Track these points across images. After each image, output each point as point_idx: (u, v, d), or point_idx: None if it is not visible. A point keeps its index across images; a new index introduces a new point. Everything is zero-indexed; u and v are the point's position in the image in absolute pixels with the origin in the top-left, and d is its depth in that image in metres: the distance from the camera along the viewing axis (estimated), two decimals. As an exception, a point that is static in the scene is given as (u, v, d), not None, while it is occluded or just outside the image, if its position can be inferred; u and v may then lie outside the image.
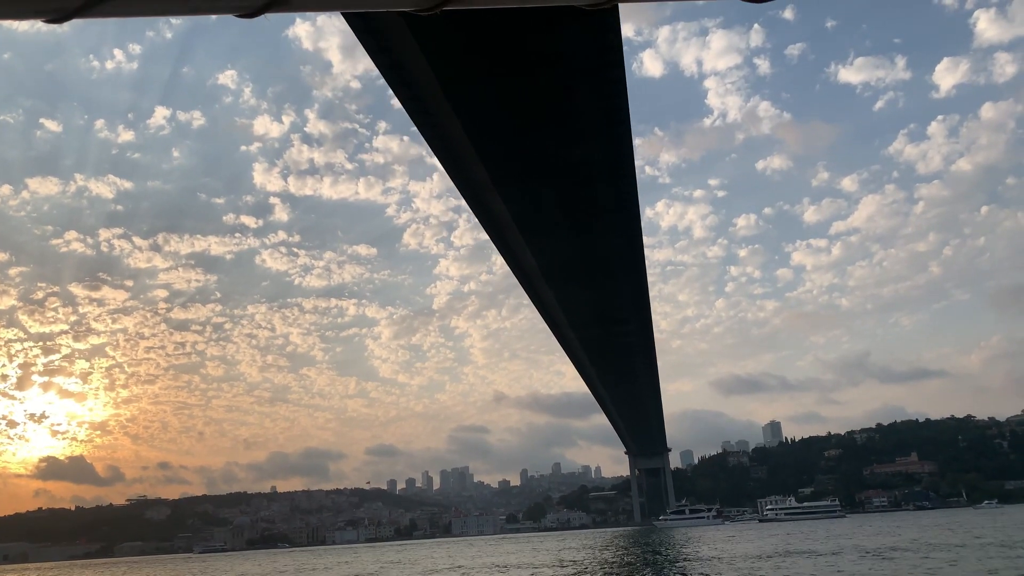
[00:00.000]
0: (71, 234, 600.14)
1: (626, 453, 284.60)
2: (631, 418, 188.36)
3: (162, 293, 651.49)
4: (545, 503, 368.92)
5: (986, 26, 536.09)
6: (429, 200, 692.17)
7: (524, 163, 53.04)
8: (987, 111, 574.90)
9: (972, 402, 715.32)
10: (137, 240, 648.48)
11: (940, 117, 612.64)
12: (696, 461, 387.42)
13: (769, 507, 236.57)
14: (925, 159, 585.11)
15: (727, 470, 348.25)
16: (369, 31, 39.49)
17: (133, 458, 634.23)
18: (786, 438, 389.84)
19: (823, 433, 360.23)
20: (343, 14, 38.36)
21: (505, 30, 38.83)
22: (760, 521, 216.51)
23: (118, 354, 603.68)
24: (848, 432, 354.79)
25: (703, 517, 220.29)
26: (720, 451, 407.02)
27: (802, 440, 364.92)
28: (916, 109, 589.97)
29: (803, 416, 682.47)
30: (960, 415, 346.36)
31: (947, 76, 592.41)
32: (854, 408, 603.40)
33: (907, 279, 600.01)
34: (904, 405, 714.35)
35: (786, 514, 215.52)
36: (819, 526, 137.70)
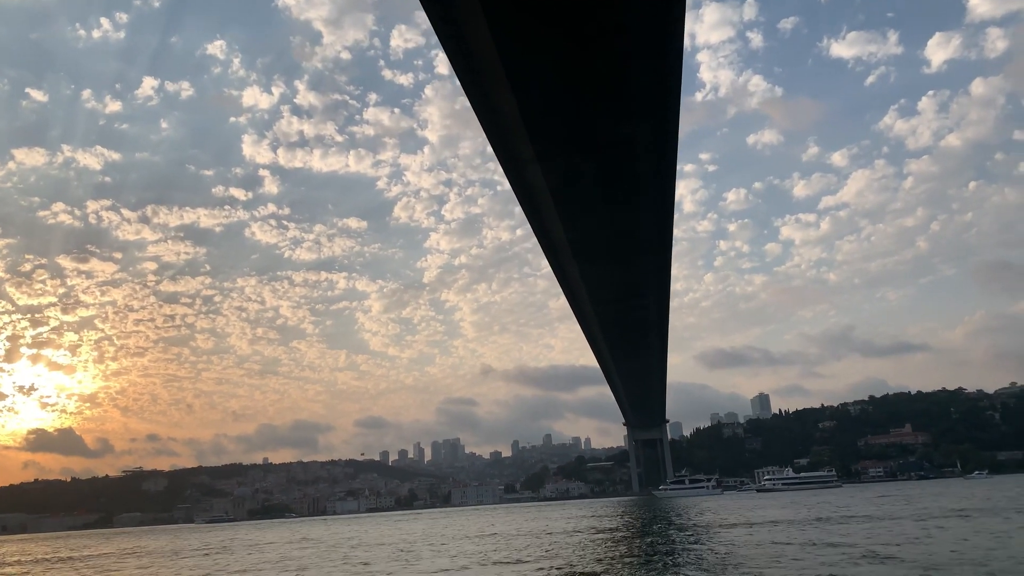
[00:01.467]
0: (58, 206, 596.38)
1: (624, 424, 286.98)
2: (636, 391, 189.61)
3: (151, 266, 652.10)
4: (543, 473, 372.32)
5: (979, 1, 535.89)
6: (420, 173, 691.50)
7: (571, 137, 52.40)
8: (977, 87, 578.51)
9: (953, 376, 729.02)
10: (126, 212, 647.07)
11: (931, 92, 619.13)
12: (685, 433, 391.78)
13: (767, 477, 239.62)
14: (915, 134, 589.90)
15: (722, 441, 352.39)
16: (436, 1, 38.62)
17: (122, 430, 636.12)
18: (780, 410, 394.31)
19: (806, 406, 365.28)
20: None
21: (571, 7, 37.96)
22: (758, 491, 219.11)
23: (107, 327, 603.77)
24: (841, 404, 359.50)
25: (703, 487, 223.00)
26: (710, 423, 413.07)
27: (796, 412, 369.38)
28: (907, 84, 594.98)
29: (787, 389, 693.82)
30: (941, 388, 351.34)
31: (939, 51, 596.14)
32: (837, 382, 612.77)
33: (894, 254, 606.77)
34: (886, 378, 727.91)
35: (783, 484, 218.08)
36: (818, 495, 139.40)
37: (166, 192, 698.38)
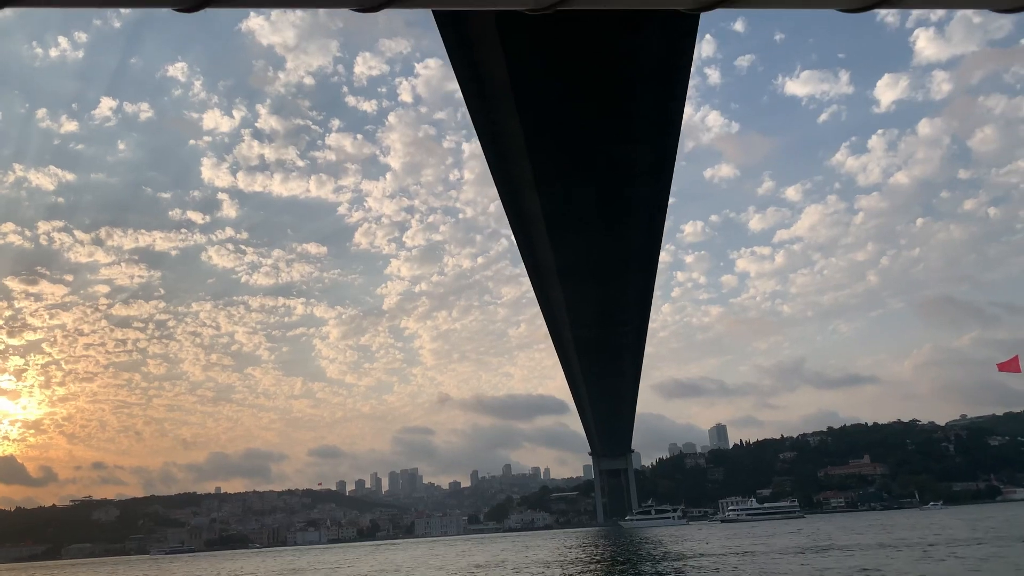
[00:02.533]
0: (8, 226, 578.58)
1: (590, 454, 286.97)
2: (606, 418, 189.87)
3: (103, 289, 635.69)
4: (507, 503, 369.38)
5: (925, 44, 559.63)
6: (382, 200, 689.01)
7: (571, 160, 53.40)
8: (924, 127, 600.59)
9: (902, 408, 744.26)
10: (79, 234, 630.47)
11: (880, 131, 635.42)
12: (644, 463, 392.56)
13: (731, 508, 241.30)
14: (865, 171, 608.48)
15: (685, 471, 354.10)
16: (452, 23, 39.45)
17: (67, 458, 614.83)
18: (740, 441, 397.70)
19: (760, 436, 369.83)
20: None
21: (588, 25, 39.04)
22: (723, 522, 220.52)
23: (55, 351, 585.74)
24: (801, 435, 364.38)
25: (669, 517, 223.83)
26: (668, 453, 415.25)
27: (756, 443, 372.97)
28: (858, 122, 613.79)
29: (742, 420, 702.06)
30: (896, 420, 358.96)
31: (887, 91, 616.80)
32: (790, 413, 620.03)
33: (846, 287, 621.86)
34: (838, 410, 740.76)
35: (747, 515, 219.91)
36: (782, 526, 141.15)
37: (121, 214, 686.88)
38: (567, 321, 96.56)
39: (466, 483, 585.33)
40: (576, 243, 68.38)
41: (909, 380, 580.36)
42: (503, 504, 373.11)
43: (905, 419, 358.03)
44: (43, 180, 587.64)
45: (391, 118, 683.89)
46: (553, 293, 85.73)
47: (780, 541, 70.90)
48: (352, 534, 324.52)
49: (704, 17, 39.50)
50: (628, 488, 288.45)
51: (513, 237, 71.04)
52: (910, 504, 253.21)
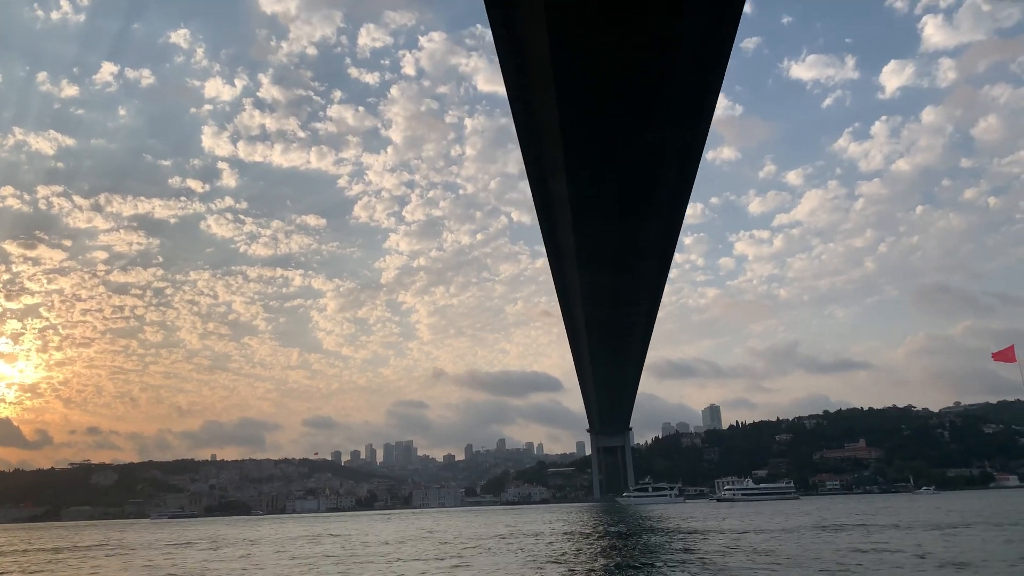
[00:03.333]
0: (7, 189, 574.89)
1: (588, 431, 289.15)
2: (607, 397, 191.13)
3: (102, 255, 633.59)
4: (504, 477, 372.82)
5: (933, 31, 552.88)
6: (382, 173, 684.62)
7: (603, 146, 53.33)
8: (928, 114, 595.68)
9: (893, 394, 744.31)
10: (77, 199, 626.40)
11: (884, 117, 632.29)
12: (637, 442, 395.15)
13: (727, 487, 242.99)
14: (867, 157, 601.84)
15: (681, 451, 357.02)
16: (499, 5, 39.25)
17: (62, 422, 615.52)
18: (736, 422, 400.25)
19: (751, 419, 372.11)
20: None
21: (632, 8, 38.79)
22: (718, 501, 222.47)
23: (52, 315, 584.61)
24: (796, 418, 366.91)
25: (665, 495, 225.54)
26: (661, 432, 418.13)
27: (752, 424, 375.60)
28: (862, 108, 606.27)
29: (733, 402, 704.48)
30: (892, 405, 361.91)
31: (893, 78, 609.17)
32: (782, 396, 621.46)
33: (843, 273, 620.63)
34: (829, 394, 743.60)
35: (743, 494, 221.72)
36: (778, 506, 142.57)
37: (121, 180, 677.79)
38: (580, 303, 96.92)
39: (460, 456, 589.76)
40: (598, 228, 68.53)
41: (901, 367, 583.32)
42: (500, 477, 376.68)
43: (900, 405, 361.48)
44: (43, 144, 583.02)
45: (393, 91, 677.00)
46: (570, 276, 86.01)
47: (796, 520, 72.03)
48: (350, 503, 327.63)
49: None
50: (625, 465, 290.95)
51: (536, 219, 71.02)
52: (904, 489, 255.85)
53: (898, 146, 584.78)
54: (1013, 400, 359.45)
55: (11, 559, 61.87)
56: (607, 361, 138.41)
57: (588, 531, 72.15)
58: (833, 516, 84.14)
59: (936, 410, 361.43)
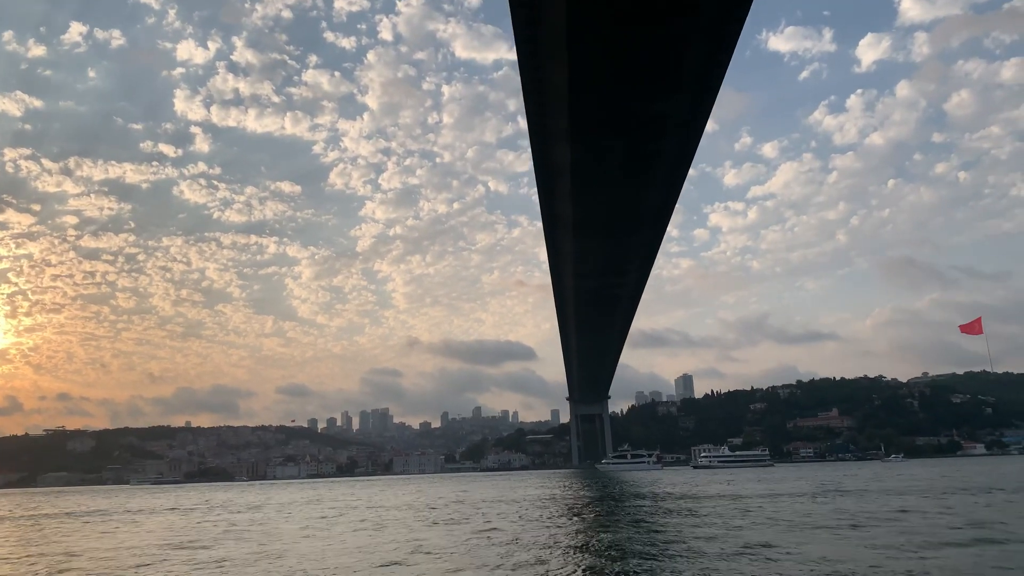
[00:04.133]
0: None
1: (567, 399, 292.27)
2: (589, 366, 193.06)
3: (72, 220, 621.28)
4: (483, 444, 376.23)
5: (910, 5, 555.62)
6: (358, 140, 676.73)
7: (609, 113, 53.35)
8: (902, 88, 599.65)
9: (860, 365, 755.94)
10: (46, 163, 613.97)
11: (859, 91, 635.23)
12: (613, 410, 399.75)
13: (703, 455, 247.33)
14: (842, 131, 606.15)
15: (657, 419, 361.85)
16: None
17: (32, 388, 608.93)
18: (712, 391, 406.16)
19: (722, 388, 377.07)
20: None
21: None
22: (695, 468, 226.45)
23: (21, 280, 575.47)
24: (771, 387, 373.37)
25: (644, 462, 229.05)
26: (635, 401, 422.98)
27: (727, 393, 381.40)
28: (838, 81, 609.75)
29: (704, 371, 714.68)
30: (863, 375, 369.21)
31: (869, 51, 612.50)
32: (751, 366, 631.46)
33: (815, 245, 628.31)
34: (797, 365, 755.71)
35: (719, 461, 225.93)
36: (754, 473, 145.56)
37: (91, 144, 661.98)
38: (571, 271, 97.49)
39: (436, 424, 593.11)
40: (597, 196, 68.76)
41: (868, 338, 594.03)
42: (479, 444, 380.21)
43: (870, 375, 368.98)
44: (9, 106, 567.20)
45: (370, 56, 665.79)
46: (564, 244, 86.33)
47: (794, 485, 73.72)
48: (331, 470, 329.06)
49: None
50: (603, 433, 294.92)
51: (525, 188, 70.96)
52: (875, 456, 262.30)
53: (872, 120, 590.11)
54: (979, 371, 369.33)
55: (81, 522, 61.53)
56: (593, 329, 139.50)
57: (599, 494, 73.20)
58: (833, 481, 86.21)
59: (905, 380, 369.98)
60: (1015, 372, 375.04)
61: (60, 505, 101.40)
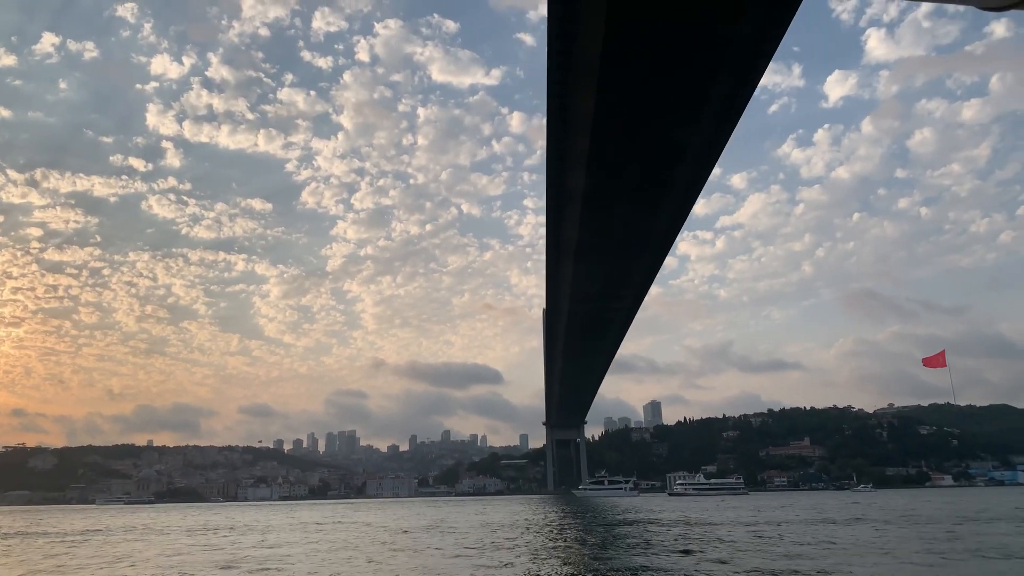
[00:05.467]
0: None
1: (544, 423, 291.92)
2: (570, 390, 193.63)
3: (36, 232, 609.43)
4: (456, 468, 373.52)
5: (876, 44, 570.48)
6: (332, 159, 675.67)
7: (629, 140, 54.40)
8: (867, 125, 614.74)
9: (822, 395, 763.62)
10: (12, 173, 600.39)
11: (826, 126, 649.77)
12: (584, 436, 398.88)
13: (679, 482, 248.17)
14: (809, 164, 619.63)
15: (630, 445, 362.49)
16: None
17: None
18: (684, 418, 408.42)
19: (686, 415, 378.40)
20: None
21: (697, 9, 39.94)
22: (670, 495, 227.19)
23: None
24: (743, 415, 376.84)
25: (620, 488, 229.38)
26: (603, 427, 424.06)
27: (700, 420, 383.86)
28: (806, 116, 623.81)
29: (669, 398, 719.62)
30: (832, 405, 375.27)
31: (836, 87, 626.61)
32: (715, 394, 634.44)
33: (782, 276, 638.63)
34: (760, 393, 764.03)
35: (694, 489, 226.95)
36: (729, 501, 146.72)
37: (59, 156, 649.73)
38: (568, 294, 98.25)
39: (405, 447, 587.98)
40: (606, 221, 69.76)
41: (832, 368, 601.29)
42: (453, 468, 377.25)
43: (836, 404, 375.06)
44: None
45: (346, 76, 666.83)
46: (565, 268, 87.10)
47: (791, 513, 74.61)
48: (304, 492, 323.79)
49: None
50: (578, 458, 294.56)
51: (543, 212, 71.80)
52: (848, 486, 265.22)
53: (839, 154, 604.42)
54: (943, 403, 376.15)
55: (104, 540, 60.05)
56: (581, 353, 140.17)
57: (597, 520, 73.50)
58: (832, 509, 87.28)
59: (871, 411, 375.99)
60: (978, 405, 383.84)
61: (62, 525, 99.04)
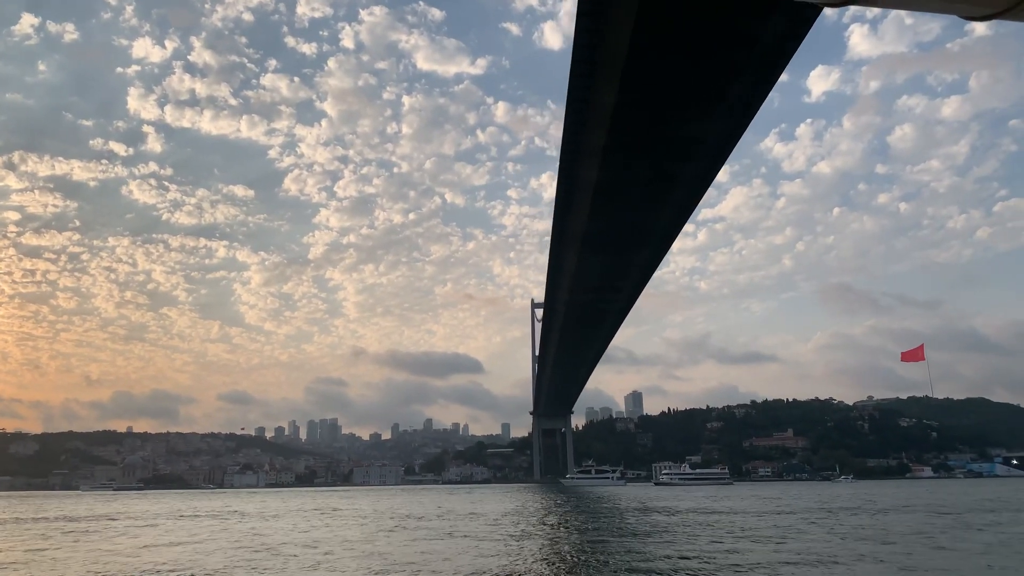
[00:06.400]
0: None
1: (531, 413, 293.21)
2: (560, 381, 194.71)
3: (13, 216, 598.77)
4: (443, 456, 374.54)
5: (859, 40, 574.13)
6: (315, 146, 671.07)
7: (647, 134, 55.06)
8: (849, 120, 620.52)
9: (798, 387, 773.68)
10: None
11: (809, 120, 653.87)
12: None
13: (664, 472, 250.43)
14: (791, 158, 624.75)
15: (615, 435, 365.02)
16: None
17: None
18: (668, 409, 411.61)
19: (666, 406, 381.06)
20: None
21: (725, 9, 40.51)
22: (656, 484, 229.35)
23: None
24: (726, 406, 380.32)
25: (608, 478, 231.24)
26: (585, 417, 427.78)
27: (684, 411, 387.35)
28: (789, 110, 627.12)
29: (648, 389, 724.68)
30: (814, 397, 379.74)
31: (819, 83, 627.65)
32: (693, 385, 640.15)
33: (762, 269, 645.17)
34: (737, 385, 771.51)
35: (680, 479, 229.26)
36: (714, 491, 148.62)
37: (37, 139, 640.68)
38: (568, 286, 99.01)
39: (387, 435, 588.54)
40: (613, 213, 70.38)
41: (809, 361, 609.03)
42: (439, 457, 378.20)
43: (813, 397, 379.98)
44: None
45: (331, 63, 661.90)
46: (567, 260, 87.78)
47: (793, 502, 75.98)
48: (290, 479, 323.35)
49: None
50: (564, 447, 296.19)
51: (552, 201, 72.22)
52: (831, 476, 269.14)
53: (820, 149, 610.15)
54: (921, 396, 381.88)
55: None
56: (575, 343, 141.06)
57: (608, 508, 74.35)
58: (828, 499, 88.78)
59: (851, 403, 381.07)
60: (955, 398, 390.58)
61: (77, 510, 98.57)
